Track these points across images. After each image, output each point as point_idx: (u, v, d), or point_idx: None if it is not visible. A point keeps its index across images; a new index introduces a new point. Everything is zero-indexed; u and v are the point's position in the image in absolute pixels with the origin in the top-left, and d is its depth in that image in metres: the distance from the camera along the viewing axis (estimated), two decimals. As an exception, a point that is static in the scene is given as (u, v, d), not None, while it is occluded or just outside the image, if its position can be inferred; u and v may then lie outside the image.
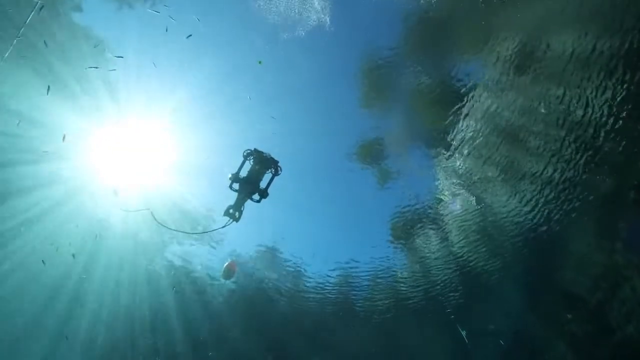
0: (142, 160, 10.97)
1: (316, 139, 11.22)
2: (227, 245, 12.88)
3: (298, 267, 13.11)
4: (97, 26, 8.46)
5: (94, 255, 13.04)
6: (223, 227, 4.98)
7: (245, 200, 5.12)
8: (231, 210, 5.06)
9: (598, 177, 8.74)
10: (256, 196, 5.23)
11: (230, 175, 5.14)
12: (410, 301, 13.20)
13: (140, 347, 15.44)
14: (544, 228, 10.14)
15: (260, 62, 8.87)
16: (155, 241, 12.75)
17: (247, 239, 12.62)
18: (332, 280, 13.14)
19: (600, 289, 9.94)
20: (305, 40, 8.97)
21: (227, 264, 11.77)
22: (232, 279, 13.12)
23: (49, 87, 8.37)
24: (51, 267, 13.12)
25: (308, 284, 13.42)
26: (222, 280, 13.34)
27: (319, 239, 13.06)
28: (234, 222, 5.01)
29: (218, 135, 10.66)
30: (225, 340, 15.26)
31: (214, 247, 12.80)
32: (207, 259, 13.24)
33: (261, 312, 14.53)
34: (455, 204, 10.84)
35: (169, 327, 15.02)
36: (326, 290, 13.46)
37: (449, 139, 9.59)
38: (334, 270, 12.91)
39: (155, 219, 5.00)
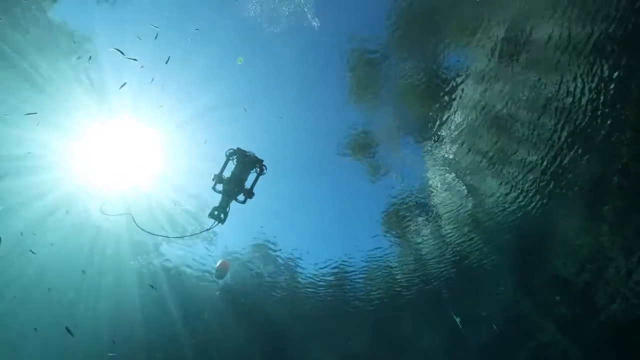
0: (128, 161, 10.69)
1: (306, 135, 11.16)
2: (221, 243, 12.76)
3: (293, 261, 13.09)
4: (76, 22, 8.09)
5: (85, 255, 12.77)
6: (208, 229, 4.86)
7: (230, 202, 4.99)
8: (216, 212, 4.93)
9: (584, 162, 8.87)
10: (241, 197, 5.10)
11: (213, 176, 4.98)
12: (404, 289, 13.37)
13: (134, 346, 15.34)
14: (533, 213, 10.30)
15: (240, 61, 8.68)
16: (148, 240, 12.55)
17: (240, 236, 12.53)
18: (326, 273, 13.18)
19: (586, 270, 10.19)
20: (290, 35, 8.81)
21: (219, 263, 11.68)
22: (225, 278, 13.05)
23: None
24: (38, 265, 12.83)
25: (303, 278, 13.45)
26: (216, 280, 13.27)
27: (312, 234, 13.07)
28: (220, 223, 4.88)
29: (205, 134, 10.46)
30: (220, 337, 15.26)
31: (207, 246, 12.68)
32: (201, 257, 13.11)
33: (256, 307, 14.53)
34: (445, 193, 10.93)
35: (163, 326, 14.93)
36: (321, 284, 13.51)
37: (438, 130, 9.59)
38: (328, 263, 12.93)
39: (137, 224, 4.83)
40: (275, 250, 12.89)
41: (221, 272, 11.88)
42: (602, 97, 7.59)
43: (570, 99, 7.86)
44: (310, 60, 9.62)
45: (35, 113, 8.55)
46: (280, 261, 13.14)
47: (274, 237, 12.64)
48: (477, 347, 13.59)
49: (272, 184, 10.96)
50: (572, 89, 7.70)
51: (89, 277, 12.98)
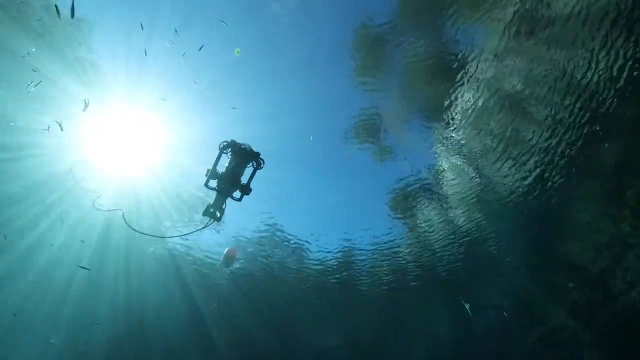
0: (130, 153, 10.56)
1: (311, 119, 10.75)
2: (228, 228, 12.69)
3: (300, 245, 13.01)
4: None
5: (93, 242, 12.97)
6: (202, 228, 4.65)
7: (226, 198, 4.73)
8: (211, 209, 4.64)
9: (604, 144, 8.30)
10: (237, 193, 4.78)
11: (206, 171, 4.65)
12: (412, 274, 13.26)
13: (145, 334, 15.86)
14: (547, 197, 9.85)
15: (238, 52, 8.27)
16: (156, 227, 12.60)
17: (247, 221, 12.44)
18: (334, 256, 13.10)
19: (604, 257, 9.79)
20: (292, 13, 8.27)
21: (226, 250, 11.67)
22: (232, 267, 13.13)
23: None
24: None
25: (311, 262, 13.44)
26: (223, 268, 13.36)
27: (320, 218, 12.92)
28: (215, 222, 4.66)
29: (205, 122, 10.19)
30: (230, 322, 15.61)
31: (215, 231, 12.67)
32: (208, 242, 13.14)
33: (265, 292, 14.71)
34: (455, 176, 10.52)
35: (174, 312, 15.32)
36: (329, 268, 13.49)
37: (448, 110, 9.05)
38: (336, 247, 12.82)
39: (126, 222, 4.64)
40: (282, 235, 12.79)
41: (228, 260, 11.91)
42: (626, 75, 6.93)
43: (591, 77, 7.22)
44: (313, 40, 9.11)
45: (61, 123, 8.36)
46: (288, 245, 13.07)
47: (282, 221, 12.49)
48: (486, 331, 13.53)
49: (279, 169, 10.82)
50: (593, 66, 7.04)
51: (91, 264, 13.17)
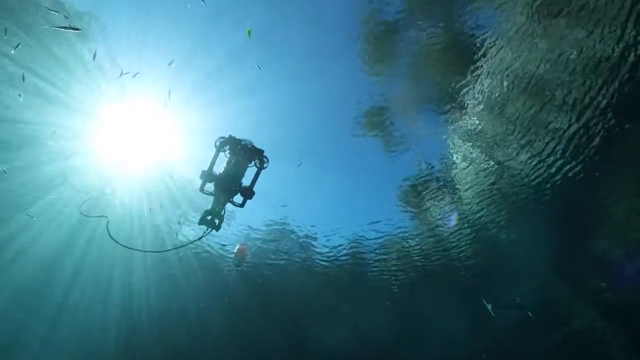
0: (132, 146, 10.19)
1: (319, 110, 10.26)
2: (238, 220, 12.33)
3: (309, 239, 12.71)
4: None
5: (100, 239, 12.81)
6: (199, 239, 4.09)
7: (225, 204, 4.15)
8: (209, 217, 4.07)
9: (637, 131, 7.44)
10: (238, 198, 4.19)
11: (201, 173, 4.04)
12: (428, 269, 12.75)
13: (151, 330, 15.83)
14: (575, 190, 9.08)
15: (249, 33, 7.69)
16: (167, 223, 12.36)
17: (256, 214, 12.12)
18: (343, 251, 12.74)
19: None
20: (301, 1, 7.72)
21: (237, 249, 11.37)
22: (243, 265, 12.83)
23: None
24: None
25: (319, 256, 13.07)
26: (234, 267, 13.09)
27: (329, 211, 12.50)
28: (214, 230, 4.09)
29: (212, 117, 9.72)
30: (236, 316, 15.43)
31: (224, 226, 12.30)
32: (217, 237, 12.83)
33: (274, 286, 14.42)
34: (471, 167, 9.84)
35: (181, 309, 15.20)
36: (338, 262, 13.08)
37: (462, 98, 8.39)
38: (345, 240, 12.50)
39: (109, 232, 4.09)
40: (291, 228, 12.46)
41: (239, 259, 11.63)
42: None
43: (619, 58, 6.37)
44: (322, 28, 8.53)
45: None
46: (297, 239, 12.74)
47: (291, 215, 12.18)
48: (508, 331, 12.96)
49: (287, 161, 10.34)
50: (621, 46, 6.24)
51: (99, 261, 13.03)
